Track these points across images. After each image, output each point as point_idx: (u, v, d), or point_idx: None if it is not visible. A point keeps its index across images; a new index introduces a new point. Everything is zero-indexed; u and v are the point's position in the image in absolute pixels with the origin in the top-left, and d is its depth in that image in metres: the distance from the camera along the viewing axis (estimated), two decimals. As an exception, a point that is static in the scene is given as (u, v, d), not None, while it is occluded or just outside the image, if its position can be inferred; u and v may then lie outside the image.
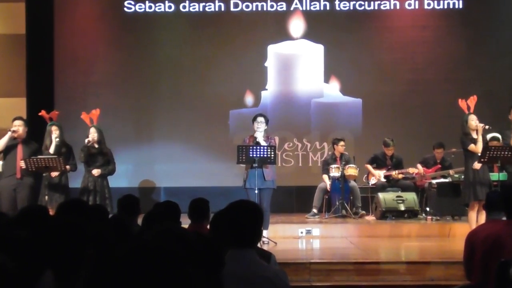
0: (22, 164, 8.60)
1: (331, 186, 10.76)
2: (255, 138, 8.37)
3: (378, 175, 10.91)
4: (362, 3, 11.99)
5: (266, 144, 8.34)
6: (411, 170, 10.80)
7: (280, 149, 11.61)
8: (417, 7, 12.01)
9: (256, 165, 8.13)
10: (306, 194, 11.25)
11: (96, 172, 8.97)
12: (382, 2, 12.00)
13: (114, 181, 9.61)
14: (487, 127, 8.37)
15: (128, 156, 11.65)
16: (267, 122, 8.43)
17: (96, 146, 9.06)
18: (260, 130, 8.35)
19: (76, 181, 9.38)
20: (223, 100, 11.92)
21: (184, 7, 12.07)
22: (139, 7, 12.10)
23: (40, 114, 9.32)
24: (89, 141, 8.94)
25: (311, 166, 12.09)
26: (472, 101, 8.63)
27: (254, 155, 8.15)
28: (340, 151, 10.90)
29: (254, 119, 8.46)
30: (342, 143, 10.90)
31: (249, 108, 11.93)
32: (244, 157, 8.23)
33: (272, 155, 8.25)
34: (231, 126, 11.98)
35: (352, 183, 10.80)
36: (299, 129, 12.13)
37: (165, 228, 2.40)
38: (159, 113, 12.06)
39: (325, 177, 10.92)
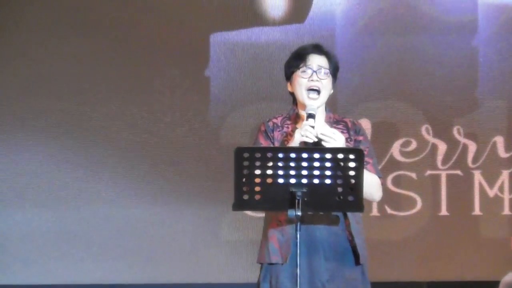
0: None
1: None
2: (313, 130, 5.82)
3: None
4: None
5: (345, 146, 6.10)
6: None
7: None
8: None
9: (299, 213, 5.30)
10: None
11: None
12: None
13: None
14: None
15: None
16: (335, 72, 6.19)
17: None
18: (317, 98, 6.03)
19: None
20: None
21: None
22: None
23: None
24: None
25: (481, 216, 9.87)
26: None
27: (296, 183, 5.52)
28: None
29: (301, 58, 6.16)
30: None
31: (269, 26, 10.02)
32: (257, 192, 5.96)
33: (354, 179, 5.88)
34: (213, 93, 10.00)
35: None
36: (435, 102, 9.90)
37: None
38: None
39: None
